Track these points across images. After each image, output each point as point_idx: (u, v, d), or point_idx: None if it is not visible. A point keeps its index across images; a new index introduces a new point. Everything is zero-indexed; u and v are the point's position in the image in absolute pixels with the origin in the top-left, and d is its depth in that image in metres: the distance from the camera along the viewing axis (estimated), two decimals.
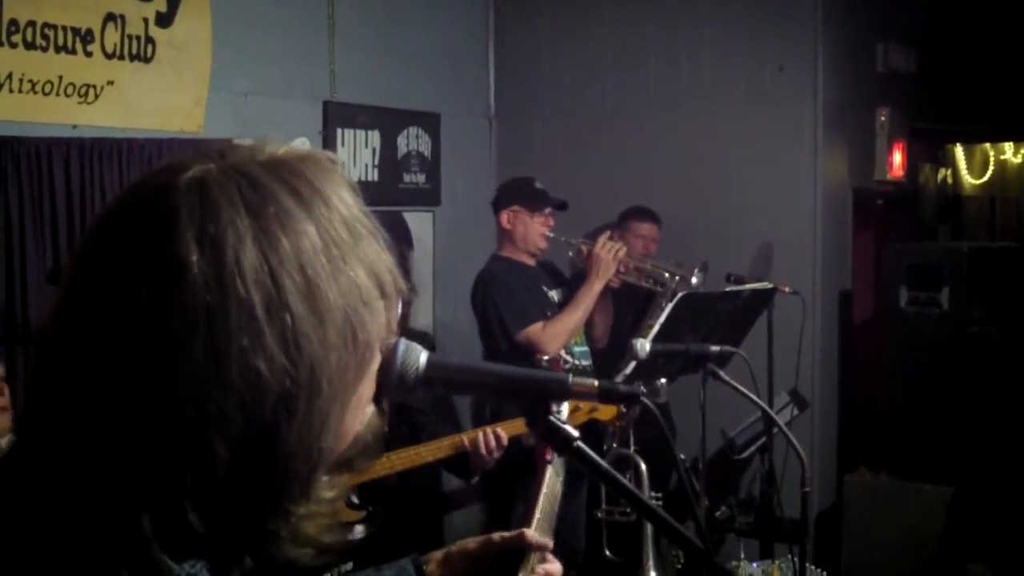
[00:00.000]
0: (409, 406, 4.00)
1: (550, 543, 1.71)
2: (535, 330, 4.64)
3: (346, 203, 0.97)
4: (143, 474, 0.86)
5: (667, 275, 4.80)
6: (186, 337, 0.85)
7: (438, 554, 1.73)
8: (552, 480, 1.97)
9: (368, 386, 1.00)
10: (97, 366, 0.87)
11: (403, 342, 1.27)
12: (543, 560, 1.71)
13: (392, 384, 1.25)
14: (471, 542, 1.73)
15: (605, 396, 1.35)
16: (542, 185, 4.97)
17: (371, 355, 0.96)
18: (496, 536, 1.71)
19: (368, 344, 0.94)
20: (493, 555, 1.69)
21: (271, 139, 0.99)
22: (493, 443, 3.82)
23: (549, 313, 4.76)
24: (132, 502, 0.86)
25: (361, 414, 1.00)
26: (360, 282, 0.93)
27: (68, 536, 0.87)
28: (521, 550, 1.68)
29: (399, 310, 1.01)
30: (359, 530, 4.14)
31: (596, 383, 1.34)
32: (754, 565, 4.26)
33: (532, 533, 1.70)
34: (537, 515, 1.87)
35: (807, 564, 3.77)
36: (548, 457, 2.02)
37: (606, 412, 3.63)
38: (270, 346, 0.87)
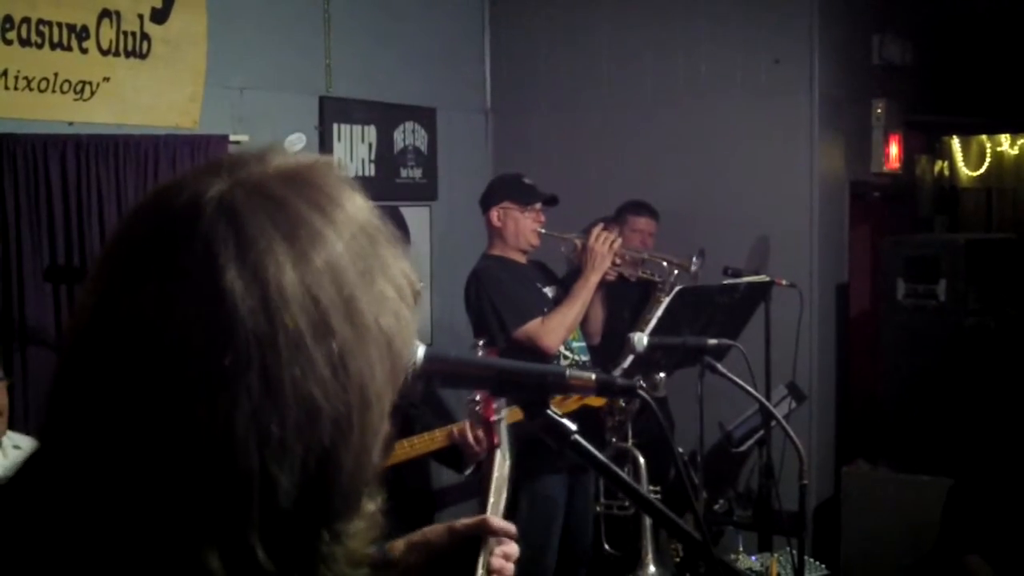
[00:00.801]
0: (401, 397, 3.97)
1: (512, 528, 1.71)
2: (534, 326, 4.59)
3: (361, 209, 0.95)
4: (207, 513, 0.84)
5: (665, 264, 4.77)
6: (240, 372, 0.84)
7: (400, 543, 1.73)
8: (501, 463, 1.99)
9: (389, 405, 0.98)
10: (147, 405, 0.85)
11: None
12: (499, 544, 1.72)
13: None
14: (432, 532, 1.73)
15: (603, 389, 1.35)
16: (531, 180, 4.90)
17: (403, 365, 0.95)
18: (459, 524, 1.71)
19: (400, 354, 0.93)
20: (456, 542, 1.69)
21: (271, 146, 0.97)
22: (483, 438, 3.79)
23: (546, 309, 4.71)
24: (197, 541, 0.84)
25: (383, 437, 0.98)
26: (387, 293, 0.92)
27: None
28: (480, 535, 1.68)
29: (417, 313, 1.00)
30: None
31: (594, 376, 1.34)
32: (753, 558, 4.27)
33: (494, 519, 1.71)
34: (491, 499, 1.88)
35: (805, 557, 3.78)
36: (496, 441, 2.03)
37: (596, 398, 3.61)
38: (321, 371, 0.85)
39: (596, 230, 4.75)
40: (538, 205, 4.82)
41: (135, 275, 0.87)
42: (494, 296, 4.65)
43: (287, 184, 0.91)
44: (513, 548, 1.73)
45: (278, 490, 0.85)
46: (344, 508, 0.91)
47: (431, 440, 3.85)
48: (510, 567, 1.71)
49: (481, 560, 1.65)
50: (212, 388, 0.83)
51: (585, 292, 4.66)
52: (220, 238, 0.86)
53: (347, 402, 0.87)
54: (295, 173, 0.93)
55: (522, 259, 4.87)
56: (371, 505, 0.97)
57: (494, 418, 2.08)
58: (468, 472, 4.04)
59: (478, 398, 2.21)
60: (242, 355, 0.83)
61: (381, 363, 0.90)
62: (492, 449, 2.06)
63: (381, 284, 0.92)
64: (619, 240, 4.77)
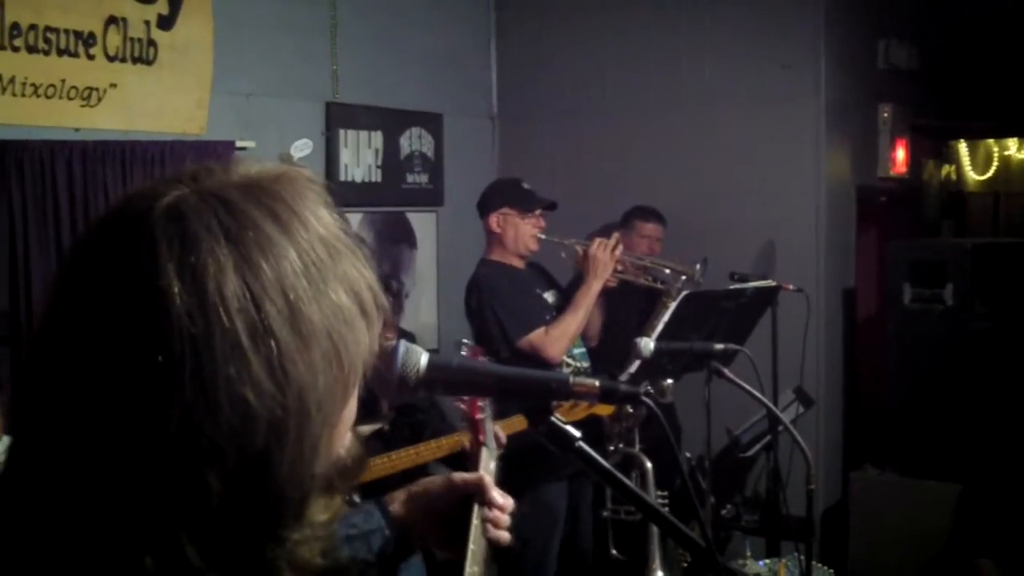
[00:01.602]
0: (411, 404, 3.98)
1: (506, 502, 1.70)
2: (538, 336, 4.55)
3: (323, 222, 0.95)
4: (141, 510, 0.86)
5: (667, 271, 4.76)
6: (173, 370, 0.85)
7: (401, 494, 1.73)
8: (486, 461, 1.99)
9: (352, 408, 0.98)
10: (86, 400, 0.87)
11: (403, 344, 1.27)
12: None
13: (393, 386, 1.25)
14: (432, 484, 1.73)
15: (607, 396, 1.35)
16: (530, 185, 4.87)
17: (355, 377, 0.95)
18: (457, 478, 1.71)
19: (352, 365, 0.93)
20: (455, 495, 1.69)
21: (245, 159, 0.98)
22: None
23: (547, 316, 4.68)
24: (133, 538, 0.86)
25: (345, 436, 0.99)
26: (341, 303, 0.92)
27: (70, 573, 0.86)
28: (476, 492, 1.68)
29: (380, 328, 1.00)
30: None
31: (597, 383, 1.34)
32: (760, 563, 4.25)
33: (491, 485, 1.70)
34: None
35: (813, 562, 3.77)
36: (482, 439, 2.04)
37: (604, 407, 3.61)
38: (257, 374, 0.86)
39: (598, 239, 4.72)
40: (537, 211, 4.79)
41: (84, 276, 0.90)
42: (496, 305, 4.61)
43: (245, 191, 0.92)
44: (509, 502, 1.72)
45: (209, 491, 0.85)
46: (282, 514, 0.90)
47: (437, 448, 3.86)
48: (505, 519, 1.71)
49: (476, 512, 1.64)
50: (146, 386, 0.85)
51: (587, 300, 4.63)
52: (164, 239, 0.87)
53: (285, 408, 0.87)
54: (256, 182, 0.94)
55: (521, 264, 4.82)
56: (322, 515, 0.97)
57: (479, 416, 2.09)
58: None
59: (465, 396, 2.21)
60: (176, 354, 0.84)
61: (326, 372, 0.90)
62: (478, 447, 2.07)
63: (337, 295, 0.92)
64: (620, 247, 4.74)
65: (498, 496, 1.68)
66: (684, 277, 4.67)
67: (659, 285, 4.75)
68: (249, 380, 0.85)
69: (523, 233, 4.74)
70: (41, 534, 0.87)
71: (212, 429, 0.85)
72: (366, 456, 1.07)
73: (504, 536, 1.70)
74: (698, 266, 4.70)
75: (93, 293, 0.88)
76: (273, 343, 0.87)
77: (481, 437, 2.08)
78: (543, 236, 4.76)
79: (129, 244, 0.89)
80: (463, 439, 3.84)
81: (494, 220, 4.76)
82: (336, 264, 0.94)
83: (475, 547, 1.65)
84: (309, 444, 0.90)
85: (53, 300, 0.92)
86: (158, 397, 0.85)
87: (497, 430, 3.84)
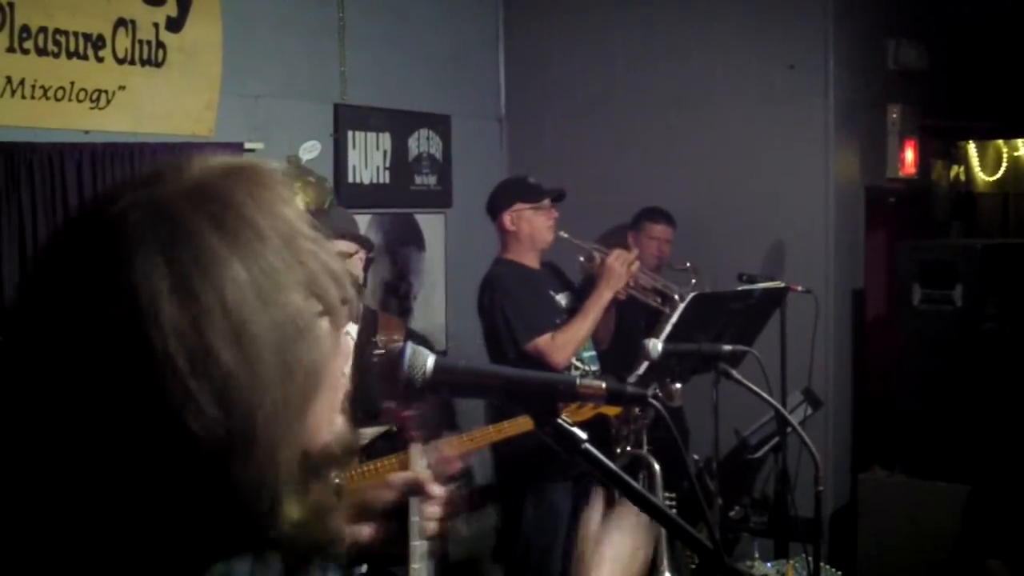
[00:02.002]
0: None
1: (439, 491, 1.68)
2: (544, 341, 4.55)
3: (281, 219, 0.92)
4: (96, 547, 0.85)
5: (676, 297, 4.72)
6: (109, 399, 0.83)
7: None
8: (416, 456, 1.97)
9: (327, 406, 0.97)
10: (32, 416, 0.85)
11: (410, 346, 1.27)
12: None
13: (399, 388, 1.25)
14: (368, 488, 1.70)
15: (613, 398, 1.35)
16: (535, 179, 4.86)
17: (316, 382, 0.92)
18: (392, 478, 1.66)
19: (309, 373, 0.91)
20: (391, 496, 1.65)
21: (204, 156, 0.95)
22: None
23: (558, 320, 4.68)
24: (102, 551, 0.85)
25: (324, 431, 0.97)
26: (294, 309, 0.89)
27: None
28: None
29: (350, 317, 0.99)
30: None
31: (604, 385, 1.34)
32: (768, 565, 4.25)
33: (423, 473, 1.68)
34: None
35: (821, 563, 3.76)
36: (412, 435, 2.02)
37: (611, 407, 3.60)
38: (199, 400, 0.83)
39: (617, 250, 4.72)
40: (547, 202, 4.79)
41: (38, 288, 0.88)
42: (507, 306, 4.61)
43: (193, 199, 0.89)
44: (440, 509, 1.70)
45: (166, 505, 0.84)
46: (247, 520, 0.89)
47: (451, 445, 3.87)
48: (440, 511, 1.68)
49: (413, 508, 1.63)
50: (86, 412, 0.83)
51: (597, 309, 4.61)
52: (103, 258, 0.85)
53: (229, 430, 0.85)
54: (208, 185, 0.91)
55: (536, 263, 4.83)
56: (298, 510, 0.94)
57: (406, 413, 2.07)
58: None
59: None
60: (110, 382, 0.83)
61: (275, 388, 0.87)
62: (405, 444, 2.04)
63: (288, 304, 0.89)
64: (637, 263, 4.73)
65: (435, 489, 1.65)
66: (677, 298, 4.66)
67: (665, 309, 4.72)
68: (192, 406, 0.83)
69: (538, 226, 4.74)
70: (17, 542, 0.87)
71: (156, 457, 0.83)
72: (354, 444, 1.05)
73: (441, 527, 1.68)
74: (693, 281, 4.75)
75: (42, 309, 0.87)
76: (215, 367, 0.84)
77: (412, 434, 2.05)
78: (565, 235, 4.76)
79: (74, 259, 0.87)
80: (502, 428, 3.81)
81: (507, 218, 4.76)
82: (294, 265, 0.90)
83: (416, 543, 1.64)
84: (262, 459, 0.87)
85: (16, 304, 0.90)
86: (98, 424, 0.83)
87: (442, 449, 3.84)
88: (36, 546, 0.86)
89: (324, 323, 0.93)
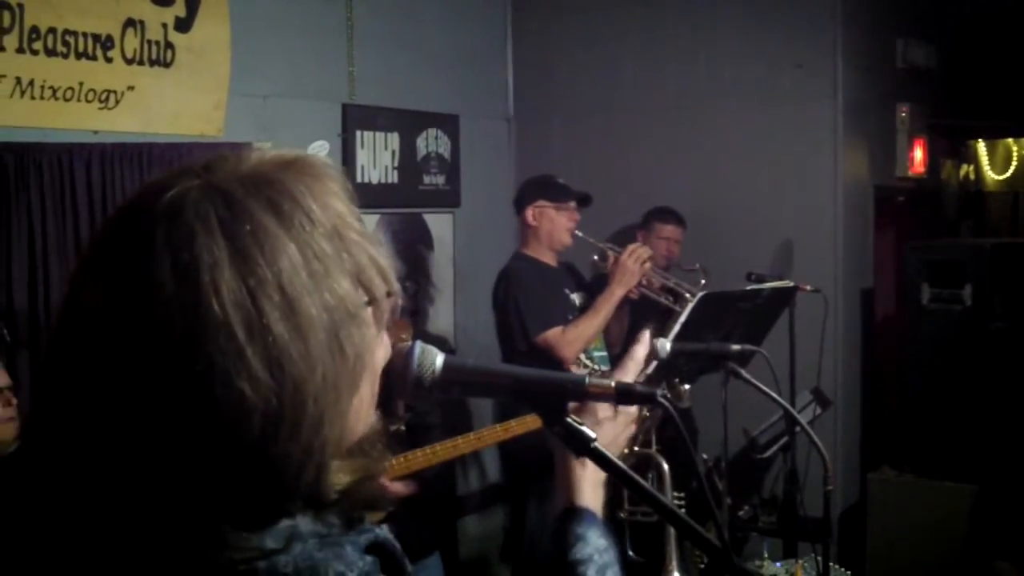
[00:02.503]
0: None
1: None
2: (554, 334, 4.61)
3: (333, 210, 0.96)
4: (149, 494, 0.88)
5: (687, 295, 4.74)
6: (167, 363, 0.86)
7: None
8: None
9: (368, 393, 1.00)
10: (93, 392, 0.89)
11: (419, 345, 1.27)
12: None
13: (409, 387, 1.25)
14: None
15: (622, 397, 1.35)
16: (564, 180, 4.96)
17: (362, 366, 0.96)
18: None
19: (358, 355, 0.95)
20: None
21: (261, 148, 1.00)
22: None
23: (570, 317, 4.73)
24: (146, 520, 0.88)
25: (363, 421, 1.01)
26: (344, 294, 0.93)
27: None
28: None
29: (393, 311, 1.02)
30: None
31: (613, 384, 1.34)
32: (778, 564, 4.25)
33: None
34: None
35: (830, 563, 3.76)
36: None
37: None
38: (253, 367, 0.87)
39: (631, 246, 4.76)
40: (572, 204, 4.85)
41: (93, 270, 0.92)
42: (520, 298, 4.68)
43: (249, 183, 0.93)
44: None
45: (214, 474, 0.88)
46: (289, 497, 0.92)
47: (454, 447, 3.90)
48: None
49: None
50: (143, 380, 0.87)
51: (608, 306, 4.67)
52: (160, 235, 0.89)
53: (281, 399, 0.88)
54: (264, 173, 0.95)
55: (553, 261, 4.90)
56: (344, 476, 0.98)
57: None
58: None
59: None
60: (168, 347, 0.86)
61: (326, 364, 0.91)
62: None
63: (340, 286, 0.93)
64: (650, 263, 4.77)
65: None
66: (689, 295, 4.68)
67: (676, 307, 4.74)
68: (246, 373, 0.87)
69: (558, 226, 4.83)
70: (52, 514, 0.90)
71: (209, 420, 0.87)
72: (384, 433, 1.08)
73: None
74: (702, 281, 4.75)
75: (99, 287, 0.90)
76: (270, 337, 0.88)
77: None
78: (579, 233, 4.81)
79: (130, 239, 0.90)
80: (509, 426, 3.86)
81: (530, 214, 4.86)
82: (343, 254, 0.94)
83: None
84: (308, 433, 0.90)
85: (68, 295, 0.94)
86: (155, 390, 0.86)
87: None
88: (88, 508, 0.89)
89: (369, 313, 0.97)
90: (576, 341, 4.60)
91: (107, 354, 0.88)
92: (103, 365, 0.88)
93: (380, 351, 1.02)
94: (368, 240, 0.99)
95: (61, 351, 0.92)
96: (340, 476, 0.97)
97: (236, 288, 0.87)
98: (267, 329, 0.88)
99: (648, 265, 4.74)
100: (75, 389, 0.90)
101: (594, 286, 4.96)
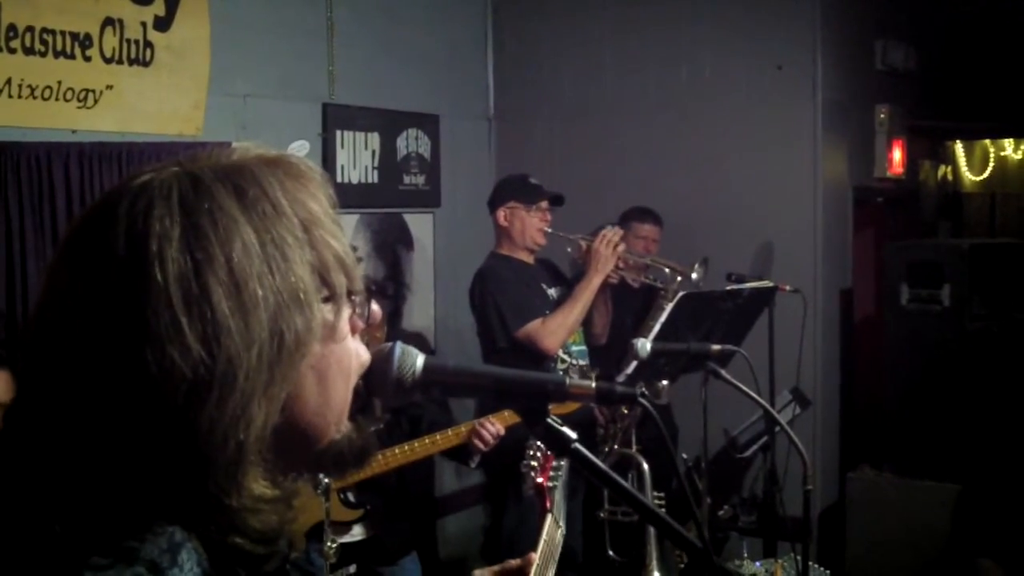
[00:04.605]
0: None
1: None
2: (534, 326, 4.63)
3: (304, 207, 0.99)
4: (92, 457, 0.91)
5: (667, 271, 4.79)
6: (108, 327, 0.90)
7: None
8: (551, 529, 1.98)
9: (316, 392, 1.01)
10: (55, 362, 0.93)
11: (400, 346, 1.26)
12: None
13: (389, 388, 1.25)
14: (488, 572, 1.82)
15: (603, 398, 1.35)
16: (537, 180, 4.97)
17: (303, 352, 0.98)
18: (510, 565, 1.83)
19: (300, 342, 0.96)
20: None
21: (248, 145, 1.02)
22: (488, 436, 3.91)
23: (548, 311, 4.74)
24: (85, 480, 0.91)
25: (319, 419, 1.02)
26: (297, 282, 0.96)
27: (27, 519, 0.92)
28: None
29: (362, 314, 1.05)
30: (357, 531, 4.15)
31: (594, 384, 1.34)
32: (757, 564, 4.26)
33: (534, 556, 1.73)
34: (537, 561, 1.89)
35: (810, 563, 3.77)
36: (548, 506, 2.03)
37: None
38: (187, 336, 0.90)
39: (601, 233, 4.79)
40: (544, 204, 4.87)
41: (65, 248, 0.97)
42: (497, 295, 4.71)
43: (220, 171, 0.97)
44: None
45: (140, 440, 0.90)
46: (205, 473, 0.92)
47: (432, 444, 3.93)
48: None
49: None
50: (89, 337, 0.91)
51: (587, 294, 4.70)
52: (124, 208, 0.93)
53: (211, 371, 0.91)
54: (239, 164, 0.99)
55: (529, 259, 4.93)
56: (268, 491, 0.98)
57: (548, 484, 2.08)
58: (474, 465, 4.13)
59: (534, 463, 2.18)
60: (112, 307, 0.90)
61: (264, 347, 0.93)
62: (543, 513, 2.06)
63: (294, 276, 0.96)
64: (623, 244, 4.80)
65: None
66: (680, 278, 4.70)
67: (658, 284, 4.78)
68: (178, 341, 0.90)
69: (529, 226, 4.86)
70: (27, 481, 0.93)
71: (138, 379, 0.90)
72: (369, 451, 1.09)
73: None
74: (697, 266, 4.72)
75: (66, 264, 0.95)
76: (208, 311, 0.91)
77: (548, 504, 2.07)
78: (549, 230, 4.84)
79: (98, 216, 0.95)
80: (461, 431, 3.90)
81: (502, 214, 4.89)
82: (306, 247, 0.97)
83: None
84: (233, 410, 0.92)
85: (44, 280, 0.98)
86: (97, 347, 0.91)
87: (492, 425, 3.90)
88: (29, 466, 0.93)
89: (327, 307, 1.00)
90: (558, 331, 4.63)
91: (68, 322, 0.92)
92: (65, 333, 0.92)
93: (334, 346, 1.03)
94: (339, 242, 1.01)
95: (37, 331, 0.96)
96: (259, 486, 0.97)
97: (181, 260, 0.91)
98: (207, 303, 0.91)
99: (621, 247, 4.78)
100: (44, 365, 0.94)
101: (574, 281, 4.97)
